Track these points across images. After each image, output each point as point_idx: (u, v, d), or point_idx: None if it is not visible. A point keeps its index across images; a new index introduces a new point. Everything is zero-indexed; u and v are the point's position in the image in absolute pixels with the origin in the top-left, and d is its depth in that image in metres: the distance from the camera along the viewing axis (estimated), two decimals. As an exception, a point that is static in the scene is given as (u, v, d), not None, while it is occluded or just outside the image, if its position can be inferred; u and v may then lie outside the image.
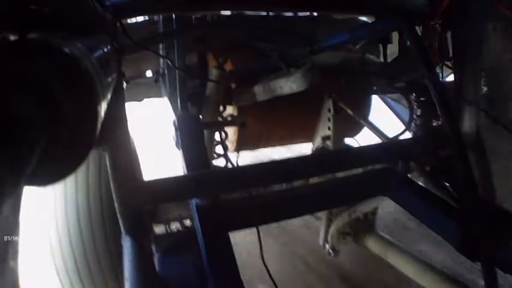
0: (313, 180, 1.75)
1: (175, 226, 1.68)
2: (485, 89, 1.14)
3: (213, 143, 1.64)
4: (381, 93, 2.34)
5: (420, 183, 1.51)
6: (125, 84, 1.16)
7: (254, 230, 1.19)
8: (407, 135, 1.73)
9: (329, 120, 1.74)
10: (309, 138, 1.94)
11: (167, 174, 1.16)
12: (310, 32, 1.95)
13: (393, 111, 2.81)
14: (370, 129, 1.66)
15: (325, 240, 2.06)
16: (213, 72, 1.54)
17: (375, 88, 2.05)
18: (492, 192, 1.16)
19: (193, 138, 1.35)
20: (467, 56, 1.18)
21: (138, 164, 1.95)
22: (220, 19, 1.86)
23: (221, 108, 1.64)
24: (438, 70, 1.40)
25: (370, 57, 1.97)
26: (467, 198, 1.16)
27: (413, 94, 1.71)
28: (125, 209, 1.00)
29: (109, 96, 0.59)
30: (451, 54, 1.30)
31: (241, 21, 1.94)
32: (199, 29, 1.61)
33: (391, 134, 1.64)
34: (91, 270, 1.67)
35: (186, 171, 1.27)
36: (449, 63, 1.33)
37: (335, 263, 2.22)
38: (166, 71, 1.84)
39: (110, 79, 0.61)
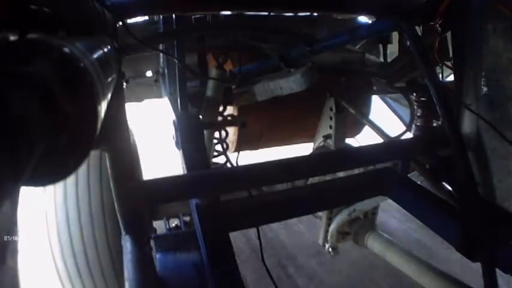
0: (313, 180, 1.75)
1: (175, 224, 1.68)
2: (485, 89, 1.13)
3: (213, 142, 1.64)
4: (381, 93, 2.34)
5: (420, 183, 1.51)
6: (125, 84, 1.16)
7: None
8: (408, 135, 1.73)
9: (331, 119, 1.74)
10: (309, 138, 1.94)
11: (167, 174, 1.16)
12: (310, 32, 1.95)
13: (393, 111, 2.81)
14: (371, 128, 1.66)
15: (325, 240, 2.06)
16: (213, 72, 1.54)
17: (375, 88, 2.05)
18: (492, 192, 1.16)
19: (193, 138, 1.35)
20: (467, 56, 1.18)
21: (138, 164, 1.96)
22: (220, 19, 1.86)
23: (221, 108, 1.64)
24: (438, 70, 1.40)
25: (370, 57, 1.97)
26: (467, 198, 1.15)
27: (414, 94, 1.71)
28: (125, 209, 1.01)
29: (109, 96, 0.59)
30: (451, 54, 1.30)
31: (241, 21, 1.94)
32: (199, 29, 1.61)
33: (391, 134, 1.64)
34: (91, 270, 1.67)
35: (186, 171, 1.27)
36: (449, 63, 1.32)
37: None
38: (166, 71, 1.84)
39: (110, 79, 0.61)
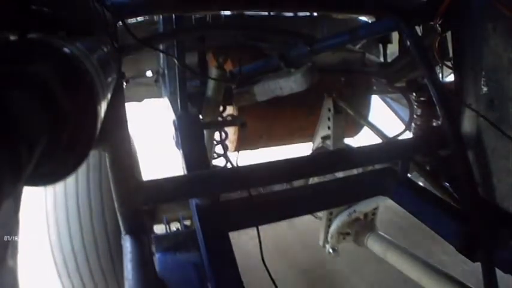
0: (313, 180, 1.75)
1: (175, 227, 1.68)
2: (485, 89, 1.13)
3: (213, 143, 1.64)
4: (381, 93, 2.34)
5: (420, 183, 1.50)
6: (125, 84, 1.16)
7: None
8: (407, 135, 1.73)
9: (329, 119, 1.74)
10: (309, 138, 1.94)
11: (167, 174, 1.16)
12: (310, 32, 1.95)
13: (393, 111, 2.81)
14: (370, 129, 1.66)
15: (325, 241, 2.06)
16: (213, 72, 1.54)
17: (374, 88, 2.05)
18: (492, 192, 1.16)
19: (193, 138, 1.35)
20: (467, 56, 1.18)
21: (138, 164, 1.96)
22: (220, 19, 1.86)
23: (221, 108, 1.64)
24: (438, 70, 1.40)
25: (370, 57, 1.97)
26: (467, 198, 1.15)
27: (413, 94, 1.70)
28: (125, 209, 1.01)
29: (109, 96, 0.59)
30: (451, 54, 1.30)
31: (241, 21, 1.94)
32: (199, 29, 1.61)
33: (391, 134, 1.64)
34: (91, 270, 1.67)
35: (186, 171, 1.27)
36: (449, 63, 1.32)
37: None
38: (166, 71, 1.84)
39: (110, 79, 0.61)
